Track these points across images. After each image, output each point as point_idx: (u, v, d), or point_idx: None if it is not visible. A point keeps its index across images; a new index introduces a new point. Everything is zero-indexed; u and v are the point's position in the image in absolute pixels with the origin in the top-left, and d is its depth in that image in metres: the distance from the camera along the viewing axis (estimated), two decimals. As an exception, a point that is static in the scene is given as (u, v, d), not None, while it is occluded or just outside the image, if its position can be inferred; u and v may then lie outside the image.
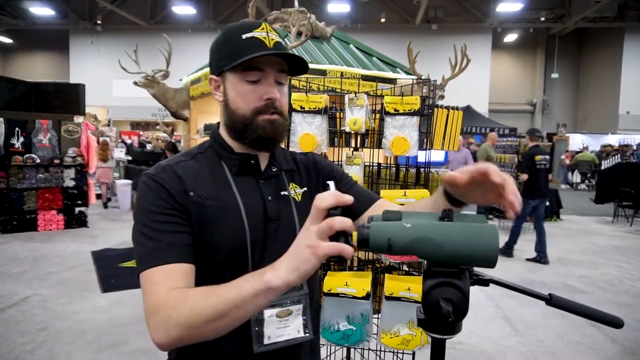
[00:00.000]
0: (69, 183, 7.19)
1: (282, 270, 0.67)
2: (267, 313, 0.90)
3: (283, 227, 0.94)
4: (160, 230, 0.82)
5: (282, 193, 0.97)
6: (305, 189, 1.02)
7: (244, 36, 0.88)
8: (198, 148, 0.99)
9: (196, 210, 0.86)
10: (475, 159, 8.64)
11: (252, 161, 0.95)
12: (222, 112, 0.96)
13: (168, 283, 0.76)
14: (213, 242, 0.87)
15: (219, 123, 1.01)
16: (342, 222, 0.63)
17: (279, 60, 0.91)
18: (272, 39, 0.89)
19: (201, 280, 0.83)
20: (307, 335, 0.93)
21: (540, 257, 5.81)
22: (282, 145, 1.06)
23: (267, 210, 0.93)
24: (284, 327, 0.91)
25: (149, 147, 13.47)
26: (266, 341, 0.89)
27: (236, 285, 0.71)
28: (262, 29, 0.89)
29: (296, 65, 0.95)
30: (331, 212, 0.65)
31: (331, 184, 0.71)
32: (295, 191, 1.00)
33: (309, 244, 0.65)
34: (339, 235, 0.65)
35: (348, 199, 0.65)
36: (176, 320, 0.71)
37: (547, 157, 5.92)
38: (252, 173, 0.95)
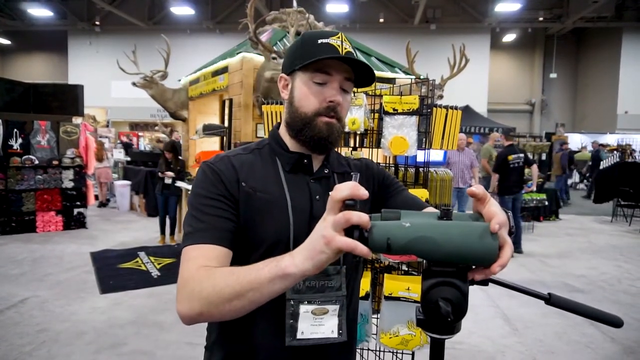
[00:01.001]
0: (68, 184, 7.18)
1: (299, 258, 0.69)
2: (303, 308, 0.91)
3: None
4: (206, 213, 0.88)
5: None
6: None
7: (319, 41, 0.93)
8: (257, 144, 1.04)
9: (245, 200, 0.92)
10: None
11: (305, 160, 0.99)
12: (285, 109, 1.01)
13: (201, 261, 0.82)
14: (258, 233, 0.92)
15: (279, 123, 1.06)
16: (359, 216, 0.63)
17: (347, 68, 0.95)
18: (345, 48, 0.93)
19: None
20: (341, 337, 0.94)
21: (515, 247, 5.94)
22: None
23: (313, 208, 0.96)
24: (318, 325, 0.92)
25: (148, 148, 13.45)
26: (299, 336, 0.91)
27: (255, 268, 0.73)
28: (338, 37, 0.94)
29: (363, 77, 0.98)
30: (347, 203, 0.65)
31: (355, 176, 0.71)
32: None
33: (323, 234, 0.65)
34: (354, 230, 0.64)
35: (364, 193, 0.65)
36: (198, 295, 0.76)
37: (522, 155, 6.11)
38: (304, 172, 1.00)
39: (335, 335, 0.93)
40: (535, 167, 6.71)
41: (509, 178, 5.98)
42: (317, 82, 0.94)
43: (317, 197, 0.97)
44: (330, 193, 0.66)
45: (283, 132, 1.02)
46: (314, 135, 0.95)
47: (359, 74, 0.97)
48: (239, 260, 0.89)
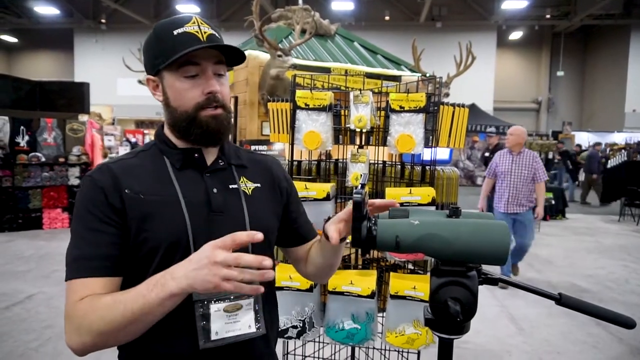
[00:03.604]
0: (74, 181, 7.21)
1: (181, 280, 0.73)
2: (214, 307, 0.87)
3: (231, 219, 0.93)
4: (87, 239, 0.84)
5: (231, 186, 0.97)
6: (258, 184, 1.02)
7: (175, 32, 0.87)
8: (142, 147, 1.00)
9: (133, 207, 0.87)
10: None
11: (196, 154, 0.95)
12: (164, 112, 0.95)
13: (85, 294, 0.80)
14: (154, 237, 0.87)
15: (163, 123, 1.00)
16: (248, 261, 0.72)
17: (214, 53, 0.90)
18: (205, 32, 0.88)
19: (147, 276, 0.81)
20: (259, 331, 0.91)
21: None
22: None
23: (212, 202, 0.92)
24: (233, 322, 0.89)
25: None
26: (213, 337, 0.87)
27: (141, 294, 0.75)
28: (194, 22, 0.89)
29: (233, 56, 0.94)
30: (356, 199, 0.71)
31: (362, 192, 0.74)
32: (246, 185, 1.00)
33: (211, 266, 0.71)
34: (364, 222, 0.69)
35: (259, 238, 0.75)
36: (88, 329, 0.76)
37: None
38: (196, 167, 0.95)
39: (253, 330, 0.90)
40: None
41: None
42: (189, 75, 0.88)
43: (215, 190, 0.93)
44: (234, 234, 0.74)
45: (168, 132, 0.97)
46: (203, 131, 0.90)
47: (228, 54, 0.93)
48: (138, 270, 0.86)
